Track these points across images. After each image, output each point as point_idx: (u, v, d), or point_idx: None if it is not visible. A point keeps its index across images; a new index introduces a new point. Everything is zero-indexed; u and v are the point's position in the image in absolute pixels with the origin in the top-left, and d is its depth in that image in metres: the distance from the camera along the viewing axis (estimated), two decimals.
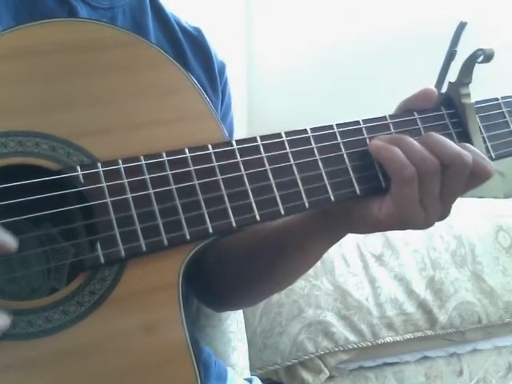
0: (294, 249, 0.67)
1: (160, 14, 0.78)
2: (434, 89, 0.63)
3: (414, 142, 0.57)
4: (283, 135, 0.57)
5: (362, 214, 0.59)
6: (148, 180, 0.51)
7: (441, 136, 0.58)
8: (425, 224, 0.59)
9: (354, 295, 1.33)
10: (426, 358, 1.42)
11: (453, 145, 0.57)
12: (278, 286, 0.78)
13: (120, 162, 0.51)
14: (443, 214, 0.60)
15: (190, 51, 0.78)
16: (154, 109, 0.55)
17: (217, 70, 0.81)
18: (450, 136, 0.63)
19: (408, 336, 1.37)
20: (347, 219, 0.61)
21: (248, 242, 0.71)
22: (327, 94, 1.96)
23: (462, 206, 1.20)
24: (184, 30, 0.80)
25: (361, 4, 1.95)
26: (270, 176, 0.55)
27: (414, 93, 0.63)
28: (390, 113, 0.63)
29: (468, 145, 0.60)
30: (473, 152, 0.58)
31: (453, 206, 0.60)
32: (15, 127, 0.49)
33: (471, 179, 0.58)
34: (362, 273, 1.37)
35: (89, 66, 0.54)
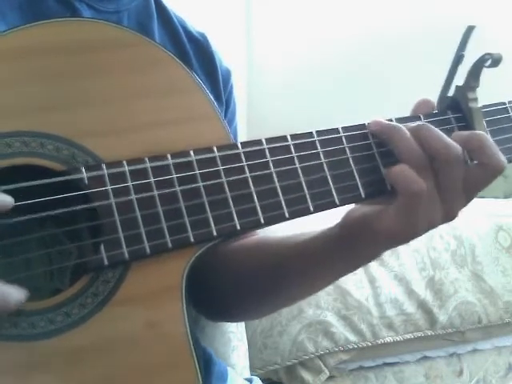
0: (297, 273, 0.67)
1: (165, 17, 0.78)
2: (427, 98, 0.63)
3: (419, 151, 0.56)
4: (289, 138, 0.57)
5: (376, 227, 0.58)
6: (153, 182, 0.51)
7: (431, 127, 0.57)
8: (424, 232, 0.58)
9: (354, 295, 1.33)
10: (426, 357, 1.43)
11: (445, 138, 0.56)
12: (279, 307, 0.78)
13: (125, 163, 0.50)
14: (447, 215, 0.59)
15: (194, 56, 0.78)
16: (160, 109, 0.55)
17: (221, 78, 0.80)
18: None
19: (408, 336, 1.37)
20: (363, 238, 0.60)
21: (255, 263, 0.71)
22: (328, 95, 1.96)
23: None
24: (189, 34, 0.79)
25: (364, 6, 1.95)
26: (275, 179, 0.55)
27: (413, 107, 0.63)
28: (395, 115, 0.63)
29: (480, 133, 0.58)
30: (485, 142, 0.57)
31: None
32: (20, 127, 0.49)
33: (482, 173, 0.58)
34: (362, 273, 1.37)
35: (94, 66, 0.54)
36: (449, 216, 0.59)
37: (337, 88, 1.97)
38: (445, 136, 0.57)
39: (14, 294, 0.44)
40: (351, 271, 0.65)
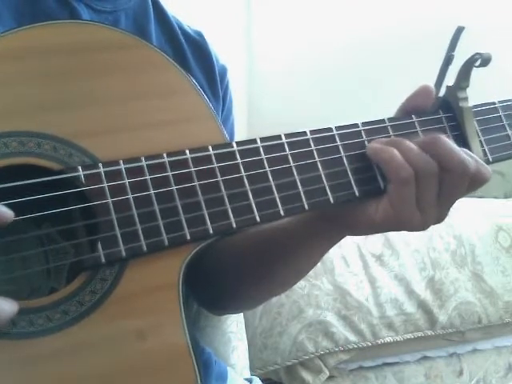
0: (292, 251, 0.67)
1: (162, 17, 0.79)
2: (431, 85, 0.63)
3: (411, 144, 0.57)
4: (283, 137, 0.57)
5: (359, 215, 0.59)
6: (149, 181, 0.51)
7: (447, 140, 0.58)
8: (421, 226, 0.58)
9: (353, 295, 1.33)
10: (426, 357, 1.43)
11: (458, 151, 0.57)
12: (278, 289, 0.78)
13: (121, 162, 0.51)
14: (440, 217, 0.60)
15: (191, 55, 0.79)
16: (155, 110, 0.55)
17: (218, 74, 0.81)
18: None
19: (408, 336, 1.37)
20: (344, 221, 0.61)
21: (247, 245, 0.71)
22: (327, 94, 1.97)
23: (462, 206, 1.20)
24: (186, 33, 0.80)
25: (360, 7, 1.96)
26: (270, 178, 0.55)
27: (414, 91, 0.63)
28: (389, 115, 0.63)
29: (466, 151, 0.60)
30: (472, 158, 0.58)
31: (451, 207, 0.61)
32: (17, 127, 0.49)
33: (469, 184, 0.59)
34: (362, 273, 1.37)
35: (90, 67, 0.54)
36: (441, 218, 0.60)
37: (336, 87, 1.97)
38: (457, 149, 0.57)
39: (6, 307, 0.44)
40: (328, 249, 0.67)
